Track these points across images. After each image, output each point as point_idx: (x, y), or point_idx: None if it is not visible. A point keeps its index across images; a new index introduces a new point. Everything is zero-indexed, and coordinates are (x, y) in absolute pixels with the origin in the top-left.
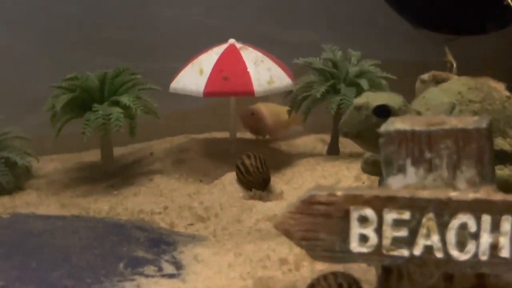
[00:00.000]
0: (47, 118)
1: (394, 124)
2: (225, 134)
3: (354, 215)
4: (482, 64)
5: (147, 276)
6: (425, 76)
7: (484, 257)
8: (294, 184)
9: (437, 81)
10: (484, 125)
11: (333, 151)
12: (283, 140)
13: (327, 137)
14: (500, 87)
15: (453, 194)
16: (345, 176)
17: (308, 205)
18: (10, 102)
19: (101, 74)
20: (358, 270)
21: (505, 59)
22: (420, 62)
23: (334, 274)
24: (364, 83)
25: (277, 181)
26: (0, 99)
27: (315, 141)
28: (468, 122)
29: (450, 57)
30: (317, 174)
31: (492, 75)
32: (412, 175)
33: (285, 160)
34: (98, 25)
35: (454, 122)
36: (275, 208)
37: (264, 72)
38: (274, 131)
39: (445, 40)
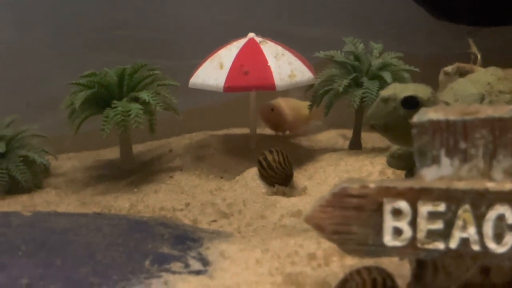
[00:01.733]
0: (64, 117)
1: (427, 114)
2: (244, 130)
3: (388, 207)
4: (507, 56)
5: (174, 272)
6: (449, 68)
7: None
8: (317, 180)
9: (461, 73)
10: None
11: (356, 145)
12: (304, 136)
13: (348, 132)
14: None
15: (490, 185)
16: (369, 171)
17: (340, 198)
18: (23, 100)
19: (120, 70)
20: (390, 264)
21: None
22: (442, 55)
23: (368, 268)
24: (387, 76)
25: (300, 177)
26: (16, 99)
27: (336, 136)
28: (504, 111)
29: (474, 49)
30: (341, 169)
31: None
32: (446, 166)
33: (307, 156)
34: (114, 23)
35: (489, 111)
36: (299, 203)
37: (285, 65)
38: (295, 127)
39: (468, 32)
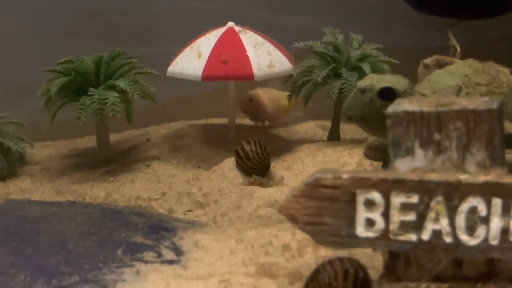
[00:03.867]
0: (40, 104)
1: (402, 105)
2: (223, 120)
3: (361, 198)
4: (486, 49)
5: (146, 262)
6: (428, 61)
7: (494, 242)
8: (295, 170)
9: (440, 65)
10: (495, 106)
11: (334, 137)
12: (283, 126)
13: (327, 123)
14: (505, 71)
15: (463, 177)
16: (347, 162)
17: (313, 188)
18: (1, 88)
19: (97, 57)
20: (363, 256)
21: (509, 44)
22: (422, 47)
23: (340, 259)
24: (366, 67)
25: (277, 167)
26: None
27: (315, 127)
28: (479, 103)
29: (454, 42)
30: (318, 160)
31: (496, 60)
32: (420, 157)
33: (285, 146)
34: (92, 9)
35: (464, 103)
36: (276, 194)
37: (264, 55)
38: (274, 117)
39: (448, 25)
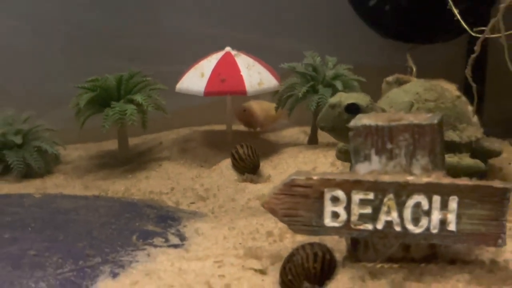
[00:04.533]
0: (71, 114)
1: (361, 120)
2: (222, 127)
3: (328, 195)
4: (439, 69)
5: (155, 246)
6: (390, 78)
7: (435, 231)
8: (280, 169)
9: (400, 83)
10: (436, 121)
11: (313, 141)
12: (272, 132)
13: (308, 129)
14: (452, 88)
15: (410, 178)
16: (323, 163)
17: (289, 187)
18: (39, 99)
19: (118, 76)
20: (331, 241)
21: (458, 64)
22: (386, 66)
23: (311, 244)
24: (339, 84)
25: (266, 166)
26: (30, 98)
27: (298, 133)
28: (423, 118)
29: (410, 63)
30: (299, 160)
31: (447, 78)
32: (376, 162)
33: (273, 149)
34: (114, 34)
35: (411, 118)
36: (264, 189)
37: (255, 75)
38: (264, 125)
39: (407, 48)
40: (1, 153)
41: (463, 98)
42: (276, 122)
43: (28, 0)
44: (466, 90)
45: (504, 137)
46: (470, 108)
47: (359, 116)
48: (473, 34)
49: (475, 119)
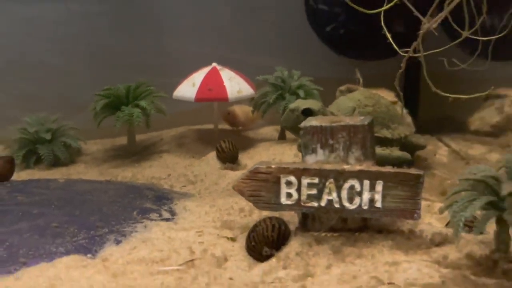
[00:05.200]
0: (90, 116)
1: (310, 122)
2: (210, 126)
3: (283, 180)
4: (383, 80)
5: (151, 220)
6: (342, 88)
7: (365, 207)
8: (255, 159)
9: (350, 92)
10: (366, 122)
11: (282, 137)
12: (250, 130)
13: (279, 128)
14: (389, 95)
15: (346, 167)
16: (288, 154)
17: (254, 174)
18: (65, 105)
19: (127, 86)
20: (287, 215)
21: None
22: (340, 78)
23: (270, 218)
24: (301, 92)
25: (244, 157)
26: (59, 103)
27: (271, 131)
28: (357, 120)
29: (358, 75)
30: (270, 153)
31: (389, 87)
32: (320, 154)
33: (250, 143)
34: (126, 52)
35: (348, 120)
36: (241, 175)
37: (235, 85)
38: (244, 124)
39: (357, 63)
40: (35, 147)
41: (398, 104)
42: (254, 122)
43: (58, 26)
44: (405, 96)
45: (434, 133)
46: (404, 111)
47: (308, 118)
48: (401, 53)
49: (408, 119)
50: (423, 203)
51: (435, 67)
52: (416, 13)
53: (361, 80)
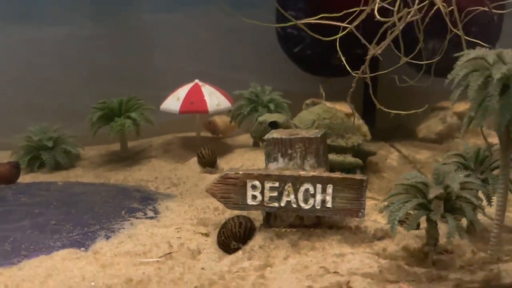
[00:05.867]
0: (87, 125)
1: (272, 134)
2: (193, 134)
3: (249, 184)
4: (344, 94)
5: (137, 218)
6: (308, 101)
7: (318, 207)
8: (232, 164)
9: (314, 105)
10: (319, 135)
11: (256, 144)
12: (229, 137)
13: None
14: (346, 108)
15: (302, 173)
16: (260, 160)
17: (224, 179)
18: (66, 114)
19: (120, 100)
20: (254, 214)
21: (360, 90)
22: (306, 92)
23: (238, 216)
24: (272, 106)
25: (222, 162)
26: (60, 114)
27: (247, 139)
28: (311, 133)
29: (321, 90)
30: (245, 158)
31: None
32: (281, 162)
33: (228, 150)
34: (120, 69)
35: (304, 133)
36: (213, 179)
37: (214, 99)
38: (224, 132)
39: (320, 80)
40: (38, 153)
41: (356, 120)
42: (232, 130)
43: (61, 46)
44: (364, 109)
45: (388, 140)
46: (360, 121)
47: (271, 131)
48: (352, 74)
49: (365, 128)
50: (371, 202)
51: (392, 82)
52: (363, 41)
53: (323, 95)
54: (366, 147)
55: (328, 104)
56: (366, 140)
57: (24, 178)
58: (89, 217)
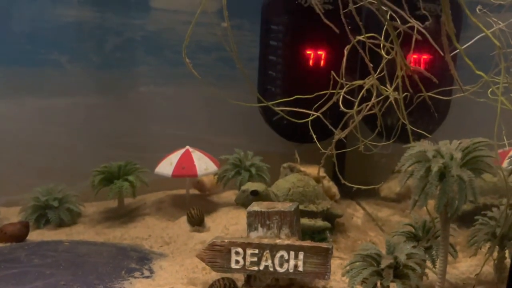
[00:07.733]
0: (89, 185)
1: (253, 207)
2: (183, 192)
3: (233, 251)
4: (318, 157)
5: (135, 277)
6: (285, 165)
7: (291, 270)
8: (217, 223)
9: (291, 168)
10: (293, 209)
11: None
12: (215, 194)
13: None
14: (321, 171)
15: (278, 241)
16: (243, 217)
17: (211, 246)
18: (69, 174)
19: (118, 164)
20: (237, 276)
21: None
22: (284, 156)
23: (223, 278)
24: (253, 170)
25: (209, 221)
26: (65, 174)
27: (231, 195)
28: (286, 206)
29: (297, 155)
30: (229, 216)
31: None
32: (260, 231)
33: (214, 208)
34: (120, 133)
35: (280, 206)
36: (206, 236)
37: (203, 164)
38: (210, 190)
39: (296, 145)
40: (45, 211)
41: (326, 178)
42: (218, 188)
43: (65, 114)
44: (333, 173)
45: (355, 198)
46: (330, 185)
47: (252, 204)
48: (322, 150)
49: (334, 189)
50: (338, 261)
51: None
52: (330, 126)
53: (298, 159)
54: (334, 211)
55: (302, 167)
56: (336, 201)
57: (31, 235)
58: (94, 277)
